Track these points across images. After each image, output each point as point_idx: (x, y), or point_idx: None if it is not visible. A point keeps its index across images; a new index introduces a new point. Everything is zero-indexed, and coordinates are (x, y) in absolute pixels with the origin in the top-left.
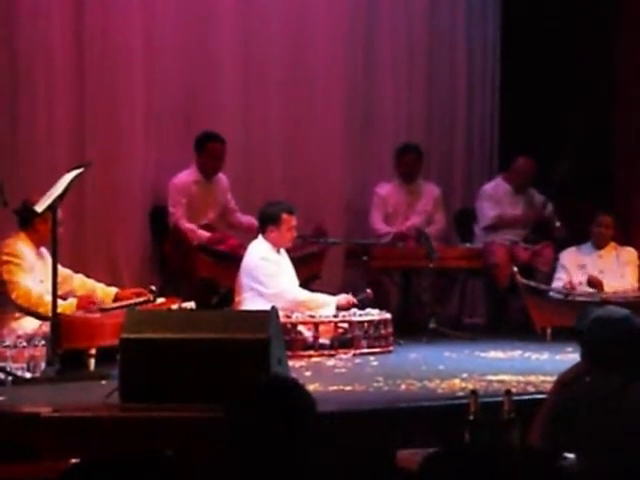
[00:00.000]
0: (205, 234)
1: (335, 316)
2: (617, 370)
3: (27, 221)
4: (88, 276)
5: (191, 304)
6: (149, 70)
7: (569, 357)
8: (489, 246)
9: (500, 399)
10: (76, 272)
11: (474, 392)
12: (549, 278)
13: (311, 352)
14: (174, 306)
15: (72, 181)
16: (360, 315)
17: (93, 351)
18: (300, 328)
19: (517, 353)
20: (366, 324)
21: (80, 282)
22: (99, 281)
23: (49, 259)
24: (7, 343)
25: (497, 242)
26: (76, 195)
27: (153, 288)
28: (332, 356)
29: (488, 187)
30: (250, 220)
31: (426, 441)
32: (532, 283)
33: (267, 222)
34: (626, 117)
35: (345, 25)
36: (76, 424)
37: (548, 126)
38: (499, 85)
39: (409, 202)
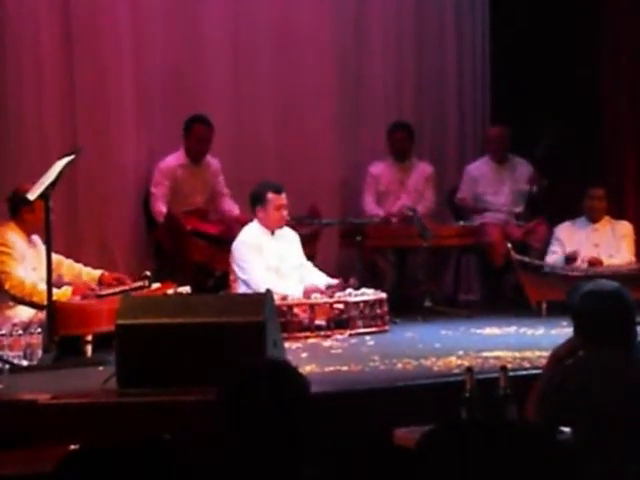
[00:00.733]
0: (162, 214)
1: (331, 297)
2: (610, 343)
3: (16, 210)
4: (84, 264)
5: (186, 288)
6: (138, 54)
7: (564, 332)
8: (483, 225)
9: (496, 375)
10: (68, 258)
11: (470, 369)
12: (542, 254)
13: (307, 333)
14: (169, 291)
15: (64, 168)
16: (355, 295)
17: (90, 337)
18: (296, 310)
19: (512, 329)
20: (361, 304)
21: (68, 267)
22: (94, 268)
23: (41, 246)
24: (3, 331)
25: (490, 222)
26: (68, 182)
27: (148, 274)
28: (328, 337)
29: (471, 166)
30: (231, 209)
31: (423, 419)
32: (526, 259)
33: (255, 203)
34: (615, 87)
35: (334, 5)
36: (74, 410)
37: (539, 100)
38: (490, 61)
39: (401, 180)
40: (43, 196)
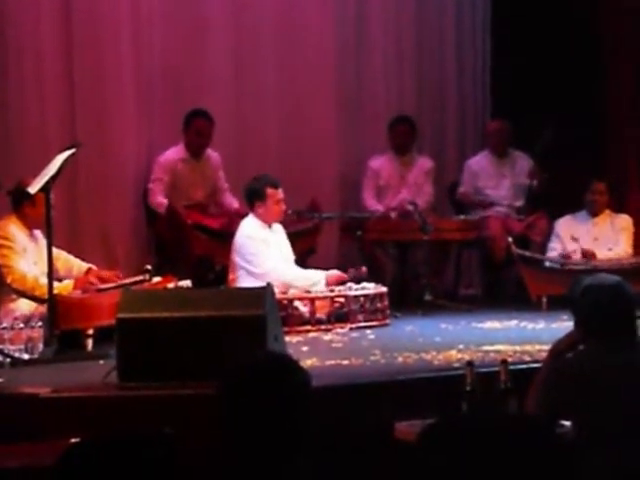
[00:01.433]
0: (163, 205)
1: (331, 291)
2: (610, 337)
3: (18, 204)
4: (83, 258)
5: (187, 282)
6: (139, 47)
7: (565, 325)
8: (483, 220)
9: (496, 369)
10: (71, 254)
11: (470, 363)
12: (543, 248)
13: (308, 327)
14: (170, 285)
15: (64, 162)
16: (356, 289)
17: (90, 331)
18: (296, 304)
19: (513, 323)
20: (362, 298)
21: (63, 261)
22: (95, 262)
23: (42, 241)
24: (4, 325)
25: (491, 215)
26: (69, 177)
27: (149, 267)
28: (329, 331)
29: (472, 161)
30: (231, 203)
31: (424, 413)
32: (527, 253)
33: (253, 198)
34: (616, 81)
35: (336, 3)
36: (75, 404)
37: (539, 95)
38: (490, 56)
39: (401, 174)
40: (44, 190)
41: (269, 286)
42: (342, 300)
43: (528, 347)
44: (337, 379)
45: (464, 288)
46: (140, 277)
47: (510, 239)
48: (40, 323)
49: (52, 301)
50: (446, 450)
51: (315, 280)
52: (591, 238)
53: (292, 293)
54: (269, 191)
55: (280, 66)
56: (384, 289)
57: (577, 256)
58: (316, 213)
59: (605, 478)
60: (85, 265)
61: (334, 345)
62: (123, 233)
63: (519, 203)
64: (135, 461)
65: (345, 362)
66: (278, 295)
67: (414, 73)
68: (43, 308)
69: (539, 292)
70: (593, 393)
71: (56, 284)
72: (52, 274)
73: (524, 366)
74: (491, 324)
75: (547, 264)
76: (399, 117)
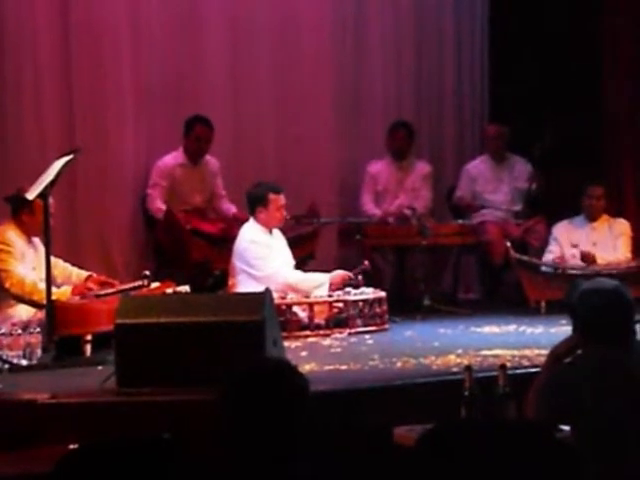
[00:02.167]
0: (162, 211)
1: (330, 296)
2: (609, 341)
3: (17, 210)
4: (81, 264)
5: (186, 288)
6: (137, 54)
7: (563, 330)
8: (482, 224)
9: (495, 374)
10: (68, 259)
11: (469, 367)
12: (541, 253)
13: (307, 332)
14: (169, 290)
15: (62, 168)
16: (355, 294)
17: (89, 337)
18: (295, 309)
19: (512, 327)
20: (361, 303)
21: (61, 269)
22: (94, 268)
23: (41, 247)
24: (2, 331)
25: (489, 220)
26: (67, 183)
27: (147, 273)
28: (327, 336)
29: (470, 165)
30: (229, 208)
31: (422, 418)
32: (525, 258)
33: (255, 204)
34: (614, 86)
35: (333, 6)
36: (74, 410)
37: (538, 99)
38: (488, 60)
39: (399, 179)
40: (42, 195)
41: (268, 291)
42: (341, 305)
43: (527, 352)
44: (336, 384)
45: (463, 293)
46: (138, 283)
47: (508, 244)
48: (38, 329)
49: (50, 307)
50: (445, 455)
51: (320, 282)
52: (589, 243)
53: (291, 298)
54: (271, 197)
55: (278, 71)
56: (383, 294)
57: (576, 261)
58: (315, 218)
59: None
60: (85, 273)
61: (333, 350)
62: (121, 239)
63: (517, 208)
64: (134, 467)
65: (344, 367)
66: (277, 300)
67: (412, 78)
68: (41, 314)
69: (537, 297)
70: (592, 398)
71: (54, 290)
72: (50, 279)
73: (523, 371)
74: (490, 329)
75: (544, 268)
76: (398, 122)
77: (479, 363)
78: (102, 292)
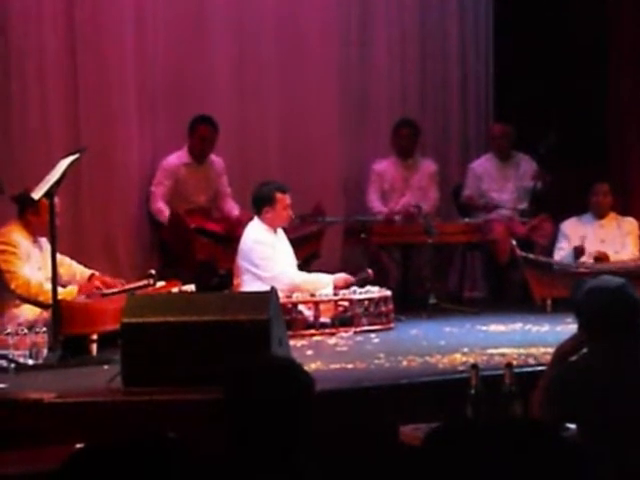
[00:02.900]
0: (166, 215)
1: (335, 295)
2: (614, 339)
3: (23, 210)
4: (87, 263)
5: (191, 287)
6: (142, 53)
7: (569, 328)
8: (487, 223)
9: (501, 372)
10: (73, 258)
11: (475, 366)
12: (548, 251)
13: (312, 331)
14: (174, 289)
15: (68, 167)
16: (360, 293)
17: (95, 336)
18: (300, 307)
19: (518, 326)
20: (366, 302)
21: (67, 267)
22: (99, 267)
23: (46, 247)
24: (9, 330)
25: (495, 218)
26: (72, 181)
27: (153, 272)
28: (333, 334)
29: (475, 164)
30: (231, 209)
31: (428, 416)
32: (531, 256)
33: (262, 203)
34: (619, 84)
35: (338, 4)
36: (80, 409)
37: (543, 97)
38: (493, 58)
39: (405, 178)
40: (48, 195)
41: (273, 290)
42: (346, 304)
43: (533, 350)
44: (341, 383)
45: (468, 291)
46: (144, 282)
47: (514, 242)
48: (44, 328)
49: (56, 306)
50: (451, 454)
51: (324, 283)
52: (598, 240)
53: (296, 297)
54: (278, 196)
55: (283, 70)
56: (388, 293)
57: (588, 251)
58: (320, 217)
59: None
60: (88, 271)
61: (338, 349)
62: (127, 238)
63: (523, 206)
64: (140, 467)
65: (349, 366)
66: (282, 299)
67: (417, 76)
68: (47, 314)
69: (543, 295)
70: (598, 396)
71: (60, 290)
72: (56, 279)
73: (529, 369)
74: (496, 327)
75: (555, 267)
76: (403, 121)
77: (485, 361)
78: (108, 291)
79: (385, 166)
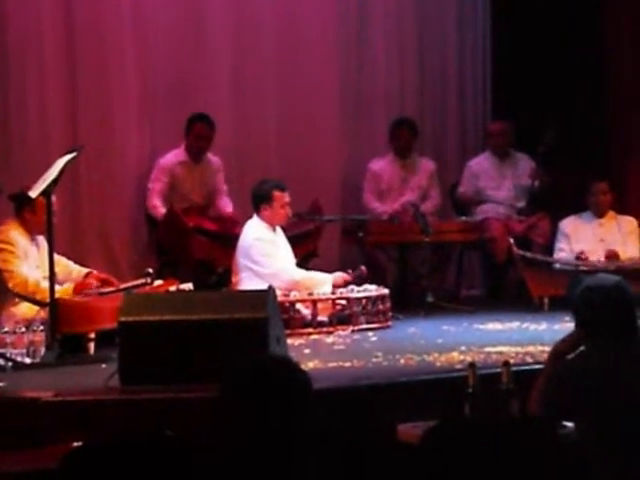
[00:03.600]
0: (161, 211)
1: (333, 293)
2: (611, 337)
3: (20, 209)
4: (84, 261)
5: (189, 285)
6: (141, 51)
7: (567, 326)
8: (485, 221)
9: (499, 371)
10: (71, 257)
11: (472, 364)
12: (545, 249)
13: (310, 330)
14: (172, 288)
15: (65, 166)
16: (358, 291)
17: (92, 335)
18: (298, 306)
19: (515, 324)
20: (364, 300)
21: (63, 266)
22: (97, 265)
23: (44, 245)
24: (6, 329)
25: (492, 217)
26: (70, 181)
27: (150, 271)
28: (331, 333)
29: (473, 162)
30: (225, 206)
31: (426, 415)
32: (529, 254)
33: (260, 201)
34: (618, 82)
35: (337, 3)
36: (77, 408)
37: (541, 95)
38: (491, 56)
39: (403, 177)
40: (45, 194)
41: (271, 289)
42: (344, 302)
43: (530, 348)
44: (339, 381)
45: (466, 289)
46: (142, 280)
47: (511, 240)
48: (42, 327)
49: (54, 305)
50: (449, 452)
51: (323, 281)
52: (597, 239)
53: (294, 295)
54: (276, 194)
55: (281, 69)
56: (386, 291)
57: (594, 251)
58: (317, 216)
59: (608, 479)
60: (84, 270)
61: (336, 347)
62: (124, 237)
63: (520, 204)
64: (137, 465)
65: (347, 364)
66: (280, 297)
67: (415, 74)
68: (45, 312)
69: (541, 293)
70: (595, 394)
71: (57, 288)
72: (53, 278)
73: (526, 367)
74: (493, 325)
75: (557, 267)
76: (400, 120)
77: (482, 360)
78: (105, 290)
79: (382, 165)
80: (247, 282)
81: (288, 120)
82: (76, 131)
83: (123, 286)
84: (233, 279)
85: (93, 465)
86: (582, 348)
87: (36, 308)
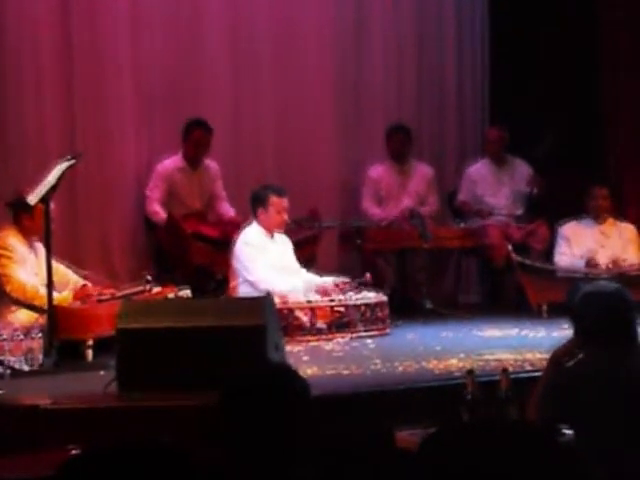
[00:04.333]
0: (162, 217)
1: (331, 300)
2: (610, 344)
3: (17, 215)
4: (83, 268)
5: (187, 292)
6: (138, 56)
7: (565, 333)
8: (483, 227)
9: (497, 377)
10: (70, 263)
11: (471, 371)
12: (544, 255)
13: (308, 336)
14: (170, 294)
15: (64, 172)
16: (356, 299)
17: (90, 342)
18: (297, 313)
19: (513, 331)
20: (362, 307)
21: (61, 275)
22: (95, 271)
23: (42, 252)
24: (4, 336)
25: (491, 223)
26: (68, 186)
27: (149, 277)
28: (329, 340)
29: (471, 168)
30: (227, 211)
31: (424, 422)
32: (527, 261)
33: (256, 205)
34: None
35: (334, 6)
36: (75, 415)
37: (539, 101)
38: (489, 62)
39: (401, 183)
40: (43, 200)
41: (269, 295)
42: (342, 309)
43: (529, 355)
44: (338, 388)
45: (464, 296)
46: (140, 287)
47: (510, 246)
48: (40, 334)
49: (52, 312)
50: (447, 459)
51: (301, 289)
52: (597, 244)
53: (292, 302)
54: (272, 199)
55: (278, 74)
56: (384, 298)
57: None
58: (316, 222)
59: None
60: (81, 281)
61: (335, 354)
62: (123, 243)
63: (519, 211)
64: (135, 472)
65: (346, 371)
66: (278, 304)
67: (413, 80)
68: (43, 319)
69: (539, 300)
70: (594, 400)
71: (55, 295)
72: (52, 284)
73: (525, 374)
74: (491, 332)
75: (560, 274)
76: (395, 126)
77: (481, 367)
78: (103, 297)
79: (380, 172)
80: (243, 287)
81: (285, 125)
82: (74, 137)
83: (121, 293)
84: (231, 283)
85: (91, 473)
86: (581, 355)
87: (34, 315)
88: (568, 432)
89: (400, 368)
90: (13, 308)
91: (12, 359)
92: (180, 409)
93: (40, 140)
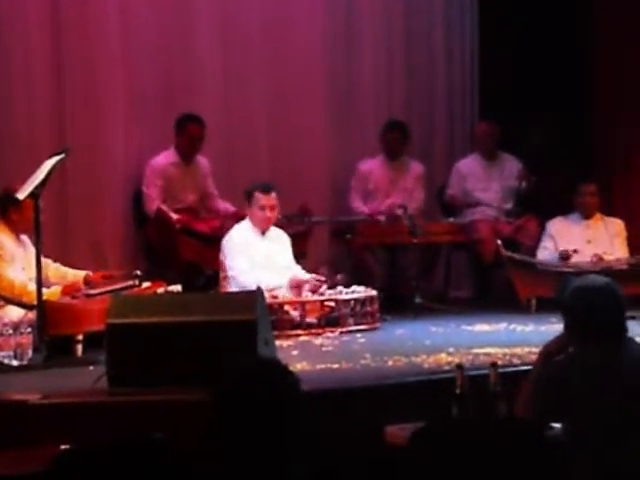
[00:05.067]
0: (175, 217)
1: (322, 295)
2: (600, 339)
3: (5, 209)
4: (73, 264)
5: (177, 287)
6: (128, 53)
7: (554, 328)
8: (472, 223)
9: (486, 372)
10: (59, 258)
11: (460, 366)
12: (533, 251)
13: (298, 331)
14: (160, 290)
15: (53, 167)
16: (346, 293)
17: (80, 337)
18: (287, 308)
19: (502, 326)
20: (352, 302)
21: (54, 270)
22: (85, 267)
23: (30, 246)
24: None
25: (480, 218)
26: (58, 181)
27: (138, 273)
28: (319, 335)
29: (461, 163)
30: (226, 207)
31: (414, 416)
32: (516, 256)
33: (246, 201)
34: (605, 84)
35: (324, 3)
36: (65, 410)
37: (528, 97)
38: (479, 58)
39: (392, 179)
40: (33, 195)
41: (259, 290)
42: (332, 304)
43: (518, 350)
44: (327, 383)
45: (454, 291)
46: (130, 282)
47: (499, 242)
48: (29, 329)
49: (41, 307)
50: (436, 453)
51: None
52: (584, 240)
53: (282, 297)
54: (256, 195)
55: (269, 71)
56: (374, 293)
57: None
58: (306, 217)
59: None
60: (82, 273)
61: (324, 349)
62: (113, 238)
63: (508, 206)
64: (125, 467)
65: (335, 366)
66: (268, 299)
67: (403, 76)
68: (32, 314)
69: (528, 294)
70: (583, 395)
71: (44, 290)
72: (41, 279)
73: (514, 369)
74: (481, 327)
75: (538, 267)
76: (392, 123)
77: (470, 361)
78: (93, 292)
79: (371, 166)
80: (232, 281)
81: (277, 121)
82: (64, 133)
83: (111, 288)
84: (221, 274)
85: (81, 468)
86: (571, 349)
87: (24, 310)
88: (556, 426)
89: (390, 363)
90: (1, 304)
91: (1, 354)
92: (170, 404)
93: (31, 137)
